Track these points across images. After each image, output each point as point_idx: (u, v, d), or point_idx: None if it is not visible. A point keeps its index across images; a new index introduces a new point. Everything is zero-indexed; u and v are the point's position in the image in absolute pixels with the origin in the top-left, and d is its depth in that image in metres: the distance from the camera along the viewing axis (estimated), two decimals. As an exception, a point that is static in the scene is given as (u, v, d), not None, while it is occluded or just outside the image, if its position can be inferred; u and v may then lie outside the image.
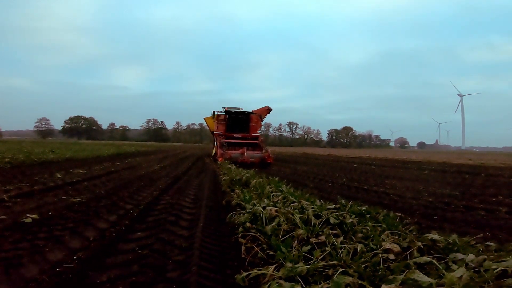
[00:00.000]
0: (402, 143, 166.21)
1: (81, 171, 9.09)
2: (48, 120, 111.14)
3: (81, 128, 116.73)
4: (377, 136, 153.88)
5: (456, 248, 2.27)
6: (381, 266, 2.04)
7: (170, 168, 11.68)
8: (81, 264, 2.39)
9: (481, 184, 8.80)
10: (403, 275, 1.75)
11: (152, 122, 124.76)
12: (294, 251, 2.26)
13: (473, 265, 1.90)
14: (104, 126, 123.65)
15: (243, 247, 2.65)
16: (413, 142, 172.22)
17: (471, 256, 2.01)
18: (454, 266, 1.95)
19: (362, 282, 1.76)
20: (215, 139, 16.28)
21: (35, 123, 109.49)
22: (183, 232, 3.38)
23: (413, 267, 1.90)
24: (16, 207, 4.30)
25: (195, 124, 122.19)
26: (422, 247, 2.30)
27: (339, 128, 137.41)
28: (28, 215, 3.81)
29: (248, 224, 2.98)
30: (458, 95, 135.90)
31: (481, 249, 2.33)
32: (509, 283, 1.69)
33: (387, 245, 2.32)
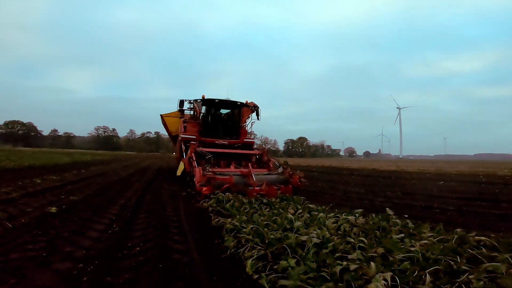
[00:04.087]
0: (351, 153, 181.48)
1: (54, 177, 9.94)
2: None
3: (17, 134, 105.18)
4: (329, 146, 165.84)
5: (321, 211, 4.50)
6: (282, 217, 4.14)
7: (138, 175, 12.88)
8: (121, 229, 4.06)
9: (386, 184, 11.84)
10: (288, 217, 3.87)
11: (102, 129, 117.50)
12: (242, 213, 4.26)
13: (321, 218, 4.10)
14: (45, 132, 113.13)
15: (212, 217, 4.56)
16: (360, 152, 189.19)
17: (322, 214, 4.22)
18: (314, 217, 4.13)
19: (268, 222, 3.81)
20: (182, 147, 9.41)
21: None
22: (171, 214, 5.15)
23: (295, 217, 4.02)
24: (31, 203, 5.56)
25: (151, 133, 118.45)
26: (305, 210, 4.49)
27: (295, 138, 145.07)
28: (49, 208, 5.18)
29: (214, 205, 4.90)
30: (397, 107, 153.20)
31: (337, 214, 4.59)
32: (342, 232, 3.85)
33: (289, 210, 4.46)
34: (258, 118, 10.48)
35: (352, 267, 2.12)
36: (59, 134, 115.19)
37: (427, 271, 2.20)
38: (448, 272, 2.28)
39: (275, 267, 2.54)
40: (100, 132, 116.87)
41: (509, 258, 2.51)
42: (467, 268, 2.30)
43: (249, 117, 10.83)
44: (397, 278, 2.03)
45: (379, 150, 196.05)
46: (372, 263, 2.16)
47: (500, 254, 2.62)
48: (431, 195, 8.77)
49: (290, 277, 2.19)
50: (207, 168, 6.95)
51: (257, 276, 2.54)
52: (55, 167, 14.98)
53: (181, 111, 10.47)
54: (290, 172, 7.59)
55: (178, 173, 8.68)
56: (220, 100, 10.00)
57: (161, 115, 13.48)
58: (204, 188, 6.29)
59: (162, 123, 13.76)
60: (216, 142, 9.75)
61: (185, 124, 10.40)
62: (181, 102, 10.15)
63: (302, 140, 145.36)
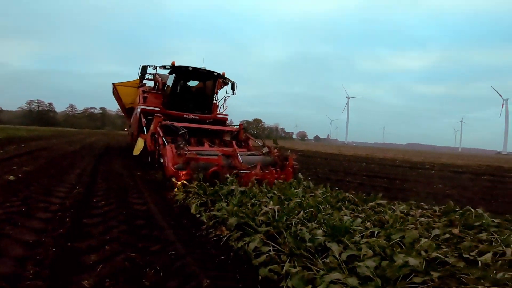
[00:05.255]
0: (303, 136, 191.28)
1: (-6, 151, 9.62)
2: None
3: None
4: (282, 129, 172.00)
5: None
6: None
7: (86, 150, 12.85)
8: (84, 191, 4.77)
9: (319, 163, 13.87)
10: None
11: (35, 103, 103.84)
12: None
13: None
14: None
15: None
16: (311, 136, 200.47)
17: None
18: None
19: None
20: (142, 120, 8.19)
21: None
22: (127, 180, 5.94)
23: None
24: (-16, 173, 5.78)
25: (95, 108, 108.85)
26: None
27: (250, 120, 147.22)
28: (6, 176, 5.52)
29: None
30: (346, 97, 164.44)
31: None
32: (263, 188, 5.12)
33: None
34: (233, 93, 9.45)
35: (257, 203, 3.36)
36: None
37: (304, 210, 3.53)
38: (318, 212, 3.64)
39: (212, 208, 3.68)
40: (33, 107, 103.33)
41: (359, 208, 4.00)
42: (330, 212, 3.71)
43: (217, 92, 9.62)
44: (283, 210, 3.31)
45: (328, 135, 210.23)
46: (271, 201, 3.42)
47: (355, 206, 4.13)
48: (349, 172, 10.84)
49: (220, 211, 3.35)
50: (181, 146, 5.70)
51: (199, 215, 3.66)
52: (-12, 140, 13.89)
53: (142, 78, 8.83)
54: (277, 153, 6.66)
55: (136, 152, 7.53)
56: (194, 69, 8.57)
57: (113, 84, 11.91)
58: (183, 173, 5.14)
59: (114, 94, 12.18)
60: (185, 116, 8.49)
61: (145, 95, 9.24)
62: (144, 68, 8.47)
63: (257, 121, 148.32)
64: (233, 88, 9.34)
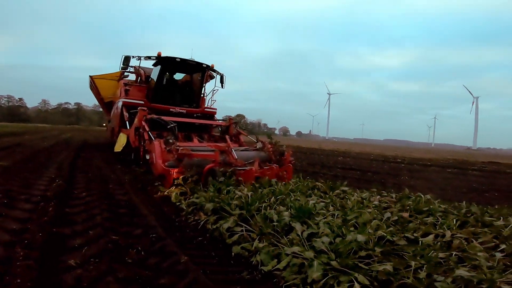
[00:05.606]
0: (285, 132, 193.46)
1: (-36, 146, 9.29)
2: None
3: None
4: (265, 124, 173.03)
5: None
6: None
7: (63, 145, 12.58)
8: (64, 183, 4.87)
9: (299, 157, 14.37)
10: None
11: (5, 99, 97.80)
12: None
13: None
14: None
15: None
16: (293, 131, 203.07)
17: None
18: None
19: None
20: (124, 115, 7.71)
21: None
22: (108, 172, 6.08)
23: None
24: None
25: (70, 103, 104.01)
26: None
27: (233, 115, 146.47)
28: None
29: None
30: (327, 93, 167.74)
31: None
32: None
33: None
34: (222, 86, 8.90)
35: (233, 189, 3.69)
36: None
37: (276, 196, 3.89)
38: (288, 197, 4.02)
39: (191, 197, 3.97)
40: (3, 102, 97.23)
41: (326, 196, 4.42)
42: (299, 198, 4.10)
43: (205, 85, 9.18)
44: (257, 196, 3.66)
45: (310, 131, 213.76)
46: (246, 188, 3.77)
47: (324, 194, 4.55)
48: (326, 165, 11.42)
49: (199, 198, 3.65)
50: (171, 141, 5.38)
51: (179, 203, 3.93)
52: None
53: (124, 69, 8.21)
54: (271, 149, 6.33)
55: (117, 148, 7.01)
56: (182, 60, 8.05)
57: (90, 77, 11.31)
58: (174, 170, 4.74)
59: (91, 88, 11.64)
60: (172, 110, 8.03)
61: (127, 87, 8.80)
62: (126, 59, 7.78)
63: (240, 117, 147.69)
64: (222, 81, 8.85)
